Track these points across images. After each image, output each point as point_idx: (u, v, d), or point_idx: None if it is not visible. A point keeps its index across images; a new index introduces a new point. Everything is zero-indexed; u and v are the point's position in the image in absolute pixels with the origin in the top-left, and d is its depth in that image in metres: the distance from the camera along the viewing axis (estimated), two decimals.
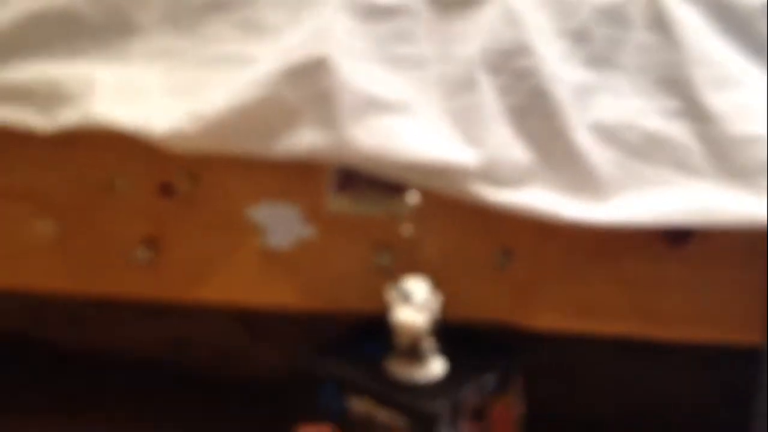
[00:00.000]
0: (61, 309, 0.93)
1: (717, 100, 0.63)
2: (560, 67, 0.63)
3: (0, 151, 0.73)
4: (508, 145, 0.64)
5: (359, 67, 0.64)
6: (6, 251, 0.74)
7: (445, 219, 0.69)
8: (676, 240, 0.68)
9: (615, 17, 0.64)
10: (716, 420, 0.82)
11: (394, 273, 0.68)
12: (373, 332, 0.70)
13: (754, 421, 0.72)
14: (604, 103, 0.62)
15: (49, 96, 0.67)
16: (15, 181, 0.73)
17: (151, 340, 0.96)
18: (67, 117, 0.67)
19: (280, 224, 0.70)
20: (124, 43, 0.69)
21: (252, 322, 0.89)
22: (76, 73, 0.67)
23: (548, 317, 0.72)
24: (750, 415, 0.75)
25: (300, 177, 0.69)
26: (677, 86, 0.63)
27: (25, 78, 0.69)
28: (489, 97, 0.64)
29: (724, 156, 0.64)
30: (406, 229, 0.68)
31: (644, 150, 0.62)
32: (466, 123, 0.63)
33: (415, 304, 0.67)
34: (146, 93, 0.65)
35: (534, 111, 0.62)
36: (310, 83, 0.63)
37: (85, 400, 0.97)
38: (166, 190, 0.70)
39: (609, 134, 0.64)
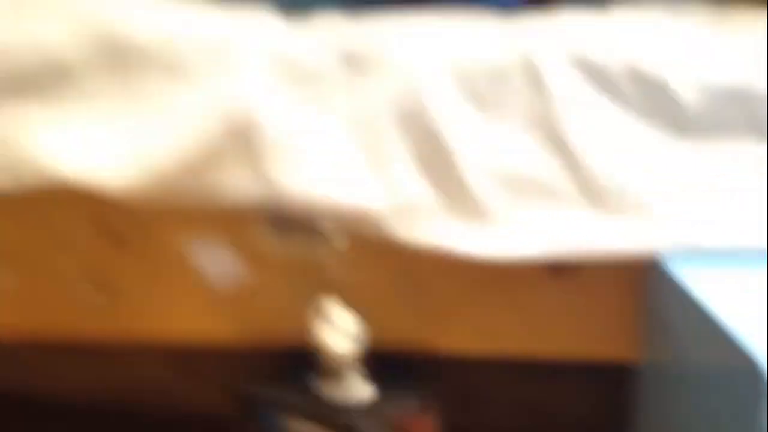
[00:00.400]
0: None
1: (586, 145, 0.77)
2: (454, 114, 0.76)
3: None
4: (413, 187, 0.76)
5: (283, 122, 0.74)
6: None
7: (366, 256, 0.78)
8: (556, 271, 0.81)
9: (498, 78, 0.76)
10: None
11: (321, 307, 0.79)
12: (305, 361, 0.80)
13: None
14: (491, 145, 0.75)
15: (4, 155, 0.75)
16: None
17: (93, 385, 1.04)
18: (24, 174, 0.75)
19: (219, 264, 0.80)
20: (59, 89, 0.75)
21: (189, 362, 0.98)
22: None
23: (451, 341, 0.81)
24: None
25: (235, 219, 0.79)
26: (551, 131, 0.77)
27: None
28: (395, 142, 0.76)
29: (596, 195, 0.77)
30: (333, 267, 0.79)
31: (526, 188, 0.75)
32: (377, 166, 0.74)
33: (340, 331, 0.77)
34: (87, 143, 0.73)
35: (432, 153, 0.74)
36: (243, 139, 0.74)
37: None
38: (116, 238, 0.79)
39: (497, 174, 0.76)
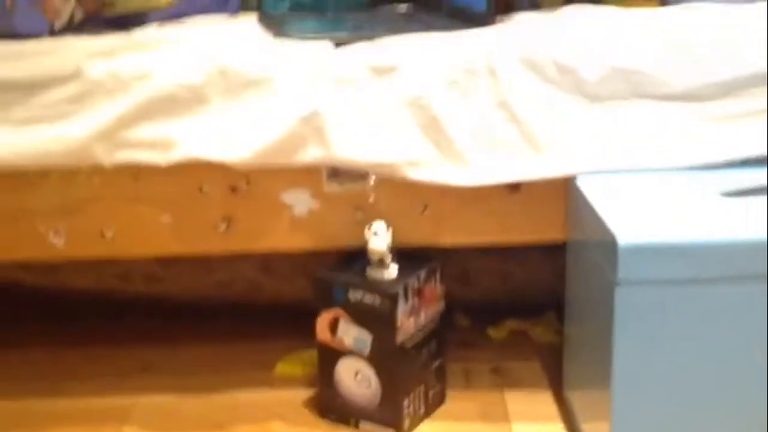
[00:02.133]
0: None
1: (527, 112, 1.18)
2: (444, 100, 1.17)
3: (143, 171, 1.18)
4: (419, 147, 1.19)
5: (335, 114, 1.16)
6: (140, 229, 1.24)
7: (391, 190, 1.20)
8: (513, 188, 1.24)
9: (471, 74, 1.16)
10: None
11: (365, 221, 1.23)
12: (358, 257, 1.22)
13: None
14: (468, 118, 1.13)
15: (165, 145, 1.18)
16: (146, 192, 1.22)
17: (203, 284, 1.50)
18: (177, 155, 1.18)
19: (300, 202, 1.23)
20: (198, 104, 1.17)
21: (278, 266, 1.44)
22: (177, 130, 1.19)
23: (449, 238, 1.23)
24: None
25: (308, 173, 1.22)
26: (505, 105, 1.17)
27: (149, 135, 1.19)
28: (407, 119, 1.18)
29: (534, 142, 1.19)
30: (371, 197, 1.23)
31: (489, 141, 1.15)
32: (395, 135, 1.13)
33: (379, 236, 1.21)
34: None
35: (430, 125, 1.12)
36: (314, 127, 1.16)
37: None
38: (233, 189, 1.23)
39: (472, 135, 1.18)
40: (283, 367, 1.37)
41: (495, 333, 1.46)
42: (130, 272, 1.49)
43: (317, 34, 1.27)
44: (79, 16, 1.33)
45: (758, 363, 1.01)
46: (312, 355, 1.27)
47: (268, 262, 1.46)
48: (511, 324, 1.46)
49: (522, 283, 1.48)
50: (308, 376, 1.33)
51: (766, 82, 1.14)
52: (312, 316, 1.22)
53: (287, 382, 1.34)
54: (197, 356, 1.40)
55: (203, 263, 1.46)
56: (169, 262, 1.45)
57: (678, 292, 0.99)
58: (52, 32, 1.27)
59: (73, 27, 1.30)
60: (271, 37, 1.26)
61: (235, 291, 1.50)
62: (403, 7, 1.51)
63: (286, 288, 1.47)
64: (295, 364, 1.37)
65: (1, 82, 1.17)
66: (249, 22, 1.38)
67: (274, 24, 1.33)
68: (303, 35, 1.25)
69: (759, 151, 1.13)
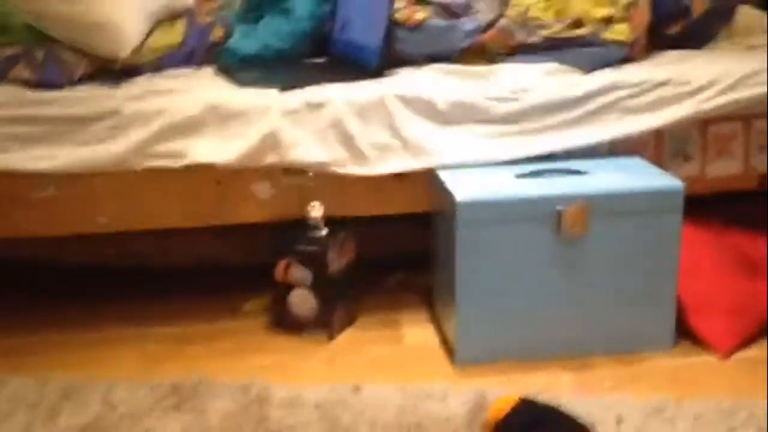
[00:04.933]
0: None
1: (407, 129, 1.92)
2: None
3: None
4: (338, 150, 1.89)
5: (291, 134, 1.87)
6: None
7: (323, 180, 1.88)
8: (398, 176, 1.96)
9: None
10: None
11: (307, 201, 1.92)
12: (300, 226, 1.93)
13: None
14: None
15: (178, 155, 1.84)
16: (162, 185, 1.90)
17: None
18: (186, 161, 1.84)
19: (263, 190, 1.92)
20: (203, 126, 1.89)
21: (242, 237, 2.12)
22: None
23: (359, 210, 1.97)
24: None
25: (270, 171, 1.92)
26: (394, 130, 1.92)
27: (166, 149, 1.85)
28: (331, 134, 1.90)
29: (410, 148, 1.93)
30: (310, 185, 1.92)
31: (370, 152, 1.90)
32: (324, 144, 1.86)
33: (316, 209, 1.90)
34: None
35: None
36: (272, 142, 1.85)
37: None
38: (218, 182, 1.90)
39: (372, 146, 1.91)
40: (248, 306, 2.04)
41: None
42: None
43: (265, 83, 1.95)
44: (88, 70, 1.98)
45: (546, 273, 1.75)
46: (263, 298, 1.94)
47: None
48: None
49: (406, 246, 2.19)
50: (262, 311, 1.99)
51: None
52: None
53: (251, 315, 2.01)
54: (191, 308, 2.03)
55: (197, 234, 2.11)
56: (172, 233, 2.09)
57: (491, 230, 1.73)
58: (70, 83, 1.91)
59: (84, 78, 1.93)
60: (234, 84, 1.94)
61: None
62: (320, 61, 2.22)
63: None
64: (256, 303, 2.04)
65: (65, 117, 1.82)
66: (209, 72, 2.04)
67: (229, 74, 2.00)
68: (255, 84, 1.93)
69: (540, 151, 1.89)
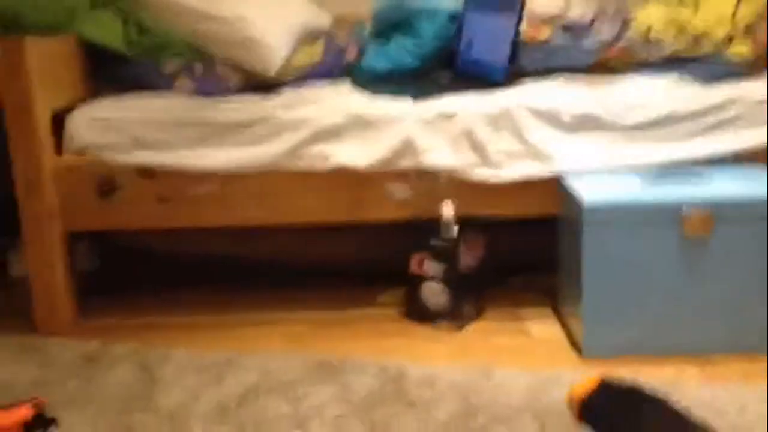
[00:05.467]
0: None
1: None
2: None
3: None
4: (468, 156, 2.04)
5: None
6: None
7: (457, 183, 2.08)
8: (526, 181, 2.09)
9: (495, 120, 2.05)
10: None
11: (439, 200, 2.08)
12: (430, 225, 2.08)
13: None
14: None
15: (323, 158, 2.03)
16: (305, 184, 2.09)
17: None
18: (331, 164, 2.02)
19: (400, 190, 2.08)
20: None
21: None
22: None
23: (486, 210, 2.12)
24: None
25: (400, 175, 2.08)
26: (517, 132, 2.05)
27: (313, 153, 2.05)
28: (462, 141, 2.05)
29: (535, 155, 2.06)
30: (443, 186, 2.08)
31: (513, 152, 2.04)
32: (456, 149, 2.03)
33: (448, 209, 2.05)
34: None
35: None
36: (407, 145, 2.02)
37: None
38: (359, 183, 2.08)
39: (501, 147, 2.05)
40: (383, 298, 2.20)
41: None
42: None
43: (398, 93, 2.12)
44: (241, 82, 2.19)
45: (670, 274, 1.84)
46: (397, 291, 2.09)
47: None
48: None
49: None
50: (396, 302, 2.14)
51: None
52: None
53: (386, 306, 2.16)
54: (329, 299, 2.19)
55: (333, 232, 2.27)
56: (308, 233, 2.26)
57: (616, 232, 1.83)
58: (226, 93, 2.11)
59: (234, 90, 2.13)
60: (368, 94, 2.11)
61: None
62: (446, 74, 2.36)
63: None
64: (390, 295, 2.20)
65: (225, 123, 2.03)
66: (346, 86, 2.21)
67: (364, 89, 2.16)
68: (391, 95, 2.10)
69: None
